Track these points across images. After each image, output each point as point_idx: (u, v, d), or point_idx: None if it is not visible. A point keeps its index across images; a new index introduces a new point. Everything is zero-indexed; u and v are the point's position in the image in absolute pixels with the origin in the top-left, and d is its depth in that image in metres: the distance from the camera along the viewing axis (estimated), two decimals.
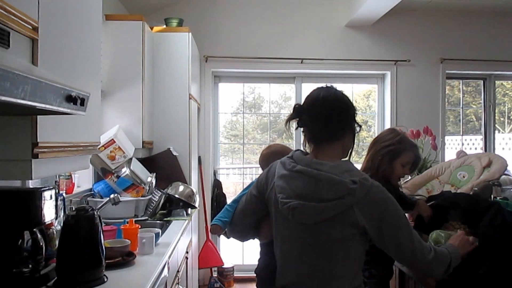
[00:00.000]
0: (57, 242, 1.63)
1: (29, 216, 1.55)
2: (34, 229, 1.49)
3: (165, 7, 4.11)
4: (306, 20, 4.35)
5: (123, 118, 2.99)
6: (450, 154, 4.45)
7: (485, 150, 4.74)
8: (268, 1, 4.33)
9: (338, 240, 1.33)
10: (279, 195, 1.38)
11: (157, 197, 2.87)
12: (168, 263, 2.07)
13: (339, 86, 1.46)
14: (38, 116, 1.27)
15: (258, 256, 1.78)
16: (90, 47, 1.74)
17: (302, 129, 1.44)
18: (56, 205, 1.84)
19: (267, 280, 1.60)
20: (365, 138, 4.76)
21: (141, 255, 1.96)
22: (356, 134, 1.44)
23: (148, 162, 3.18)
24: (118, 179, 2.76)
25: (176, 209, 2.95)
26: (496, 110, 4.82)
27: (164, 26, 3.56)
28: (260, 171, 1.74)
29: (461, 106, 4.86)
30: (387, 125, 4.47)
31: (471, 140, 4.86)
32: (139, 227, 2.13)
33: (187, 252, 2.93)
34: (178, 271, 2.49)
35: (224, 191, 4.42)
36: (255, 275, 1.79)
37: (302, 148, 1.48)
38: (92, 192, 2.84)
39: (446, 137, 4.66)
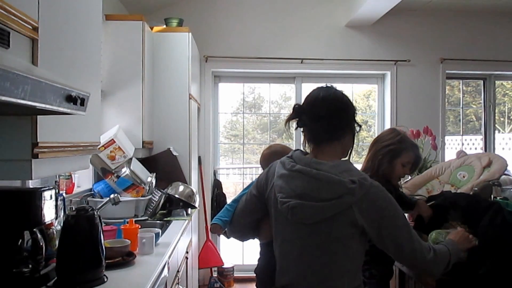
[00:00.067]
0: (57, 242, 1.63)
1: (29, 216, 1.55)
2: (34, 229, 1.49)
3: (165, 7, 4.11)
4: (306, 20, 4.35)
5: (123, 118, 2.99)
6: (450, 154, 4.45)
7: (485, 150, 4.74)
8: (268, 1, 4.33)
9: (338, 240, 1.33)
10: (278, 194, 1.38)
11: (157, 197, 2.87)
12: (168, 263, 2.07)
13: (339, 86, 1.46)
14: (38, 116, 1.27)
15: (258, 256, 1.78)
16: (90, 47, 1.74)
17: (301, 129, 1.44)
18: (56, 205, 1.84)
19: (267, 280, 1.60)
20: (365, 138, 4.76)
21: (141, 255, 1.96)
22: (356, 134, 1.44)
23: (148, 162, 3.18)
24: (118, 179, 2.76)
25: (176, 209, 2.96)
26: (496, 110, 4.82)
27: (164, 26, 3.55)
28: (260, 171, 1.74)
29: (461, 106, 4.86)
30: (387, 125, 4.47)
31: (471, 140, 4.86)
32: (139, 227, 2.13)
33: (187, 252, 2.93)
34: (178, 271, 2.49)
35: (224, 191, 4.42)
36: (255, 275, 1.79)
37: (302, 148, 1.48)
38: (92, 192, 2.84)
39: (446, 137, 4.66)
